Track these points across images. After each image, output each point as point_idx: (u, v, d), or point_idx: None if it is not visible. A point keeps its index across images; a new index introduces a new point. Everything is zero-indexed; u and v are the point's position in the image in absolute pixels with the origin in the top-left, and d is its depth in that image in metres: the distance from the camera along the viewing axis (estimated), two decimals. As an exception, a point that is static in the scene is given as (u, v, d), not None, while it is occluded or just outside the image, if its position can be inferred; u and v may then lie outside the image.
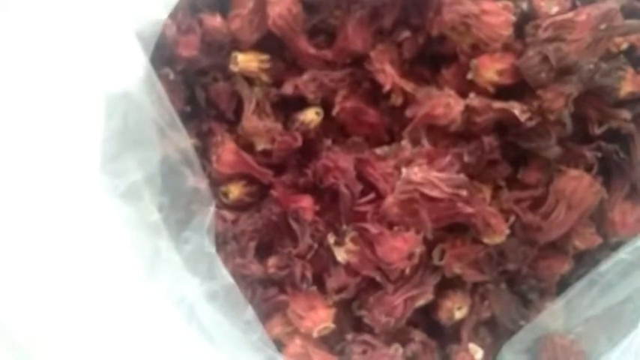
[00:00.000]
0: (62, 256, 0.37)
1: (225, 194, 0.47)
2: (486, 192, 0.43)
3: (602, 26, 0.39)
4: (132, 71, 0.39)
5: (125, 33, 0.38)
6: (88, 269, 0.37)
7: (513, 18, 0.41)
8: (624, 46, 0.41)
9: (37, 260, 0.37)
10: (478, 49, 0.42)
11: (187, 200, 0.43)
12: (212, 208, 0.44)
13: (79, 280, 0.37)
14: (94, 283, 0.37)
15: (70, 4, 0.37)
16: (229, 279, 0.42)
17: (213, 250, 0.42)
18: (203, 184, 0.44)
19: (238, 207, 0.47)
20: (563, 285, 0.45)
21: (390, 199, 0.41)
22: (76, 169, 0.38)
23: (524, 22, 0.42)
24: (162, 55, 0.43)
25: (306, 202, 0.44)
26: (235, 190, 0.47)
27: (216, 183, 0.47)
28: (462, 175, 0.40)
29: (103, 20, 0.38)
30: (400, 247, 0.40)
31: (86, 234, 0.38)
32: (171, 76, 0.44)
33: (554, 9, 0.41)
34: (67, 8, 0.37)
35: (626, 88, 0.40)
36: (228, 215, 0.46)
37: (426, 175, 0.39)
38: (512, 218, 0.42)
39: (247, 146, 0.47)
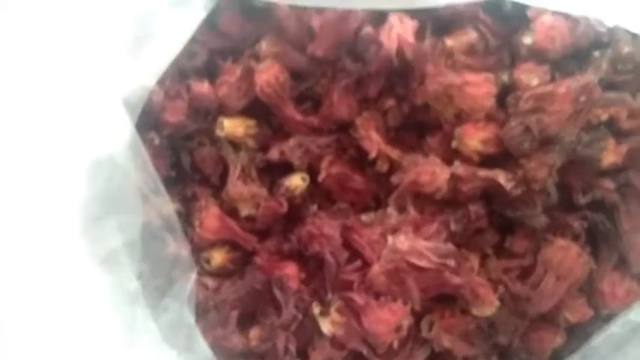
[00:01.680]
0: (38, 321, 0.35)
1: (208, 261, 0.45)
2: (474, 261, 0.42)
3: (582, 98, 0.40)
4: (117, 136, 0.38)
5: (112, 98, 0.38)
6: (63, 337, 0.35)
7: (495, 89, 0.42)
8: (604, 117, 0.42)
9: (12, 323, 0.36)
10: (461, 118, 0.43)
11: (168, 267, 0.42)
12: (193, 275, 0.42)
13: (55, 347, 0.35)
14: (69, 352, 0.35)
15: (59, 69, 0.37)
16: (208, 352, 0.40)
17: (192, 320, 0.41)
18: (185, 251, 0.43)
19: (221, 274, 0.45)
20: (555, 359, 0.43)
21: (376, 268, 0.40)
22: (56, 234, 0.37)
23: (506, 93, 0.43)
24: (148, 121, 0.43)
25: (291, 270, 0.43)
26: (218, 257, 0.45)
27: (199, 249, 0.45)
28: (449, 245, 0.39)
29: (90, 85, 0.38)
30: (387, 318, 0.39)
31: (63, 302, 0.36)
32: (157, 141, 0.44)
33: (534, 81, 0.42)
34: (56, 73, 0.37)
35: (609, 159, 0.41)
36: (210, 283, 0.44)
37: (413, 243, 0.39)
38: (502, 288, 0.41)
39: (231, 212, 0.46)
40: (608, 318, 0.42)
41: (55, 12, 0.38)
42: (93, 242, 0.39)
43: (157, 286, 0.42)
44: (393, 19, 0.43)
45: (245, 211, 0.45)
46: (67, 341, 0.37)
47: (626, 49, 0.42)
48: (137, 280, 0.41)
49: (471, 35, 0.45)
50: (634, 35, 0.41)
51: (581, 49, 0.43)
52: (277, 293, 0.43)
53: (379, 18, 0.44)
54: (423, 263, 0.38)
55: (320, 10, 0.44)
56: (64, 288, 0.38)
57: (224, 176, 0.47)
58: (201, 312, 0.43)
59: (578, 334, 0.43)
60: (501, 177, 0.41)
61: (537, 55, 0.43)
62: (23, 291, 0.37)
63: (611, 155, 0.41)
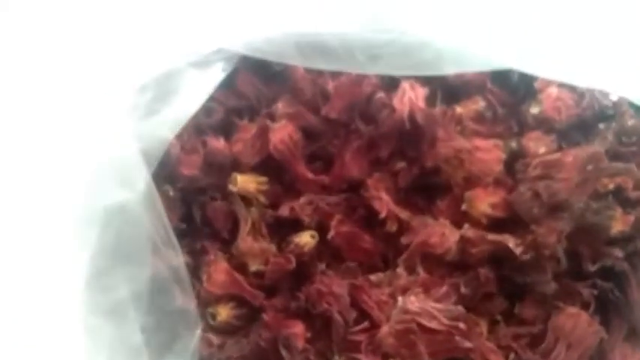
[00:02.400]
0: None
1: (213, 316, 0.45)
2: (483, 326, 0.42)
3: (589, 167, 0.41)
4: (133, 186, 0.39)
5: (131, 149, 0.39)
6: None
7: (503, 155, 0.43)
8: (611, 186, 0.43)
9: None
10: (471, 182, 0.44)
11: (173, 321, 0.42)
12: (198, 332, 0.42)
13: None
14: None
15: (81, 115, 0.38)
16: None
17: (195, 378, 0.40)
18: (191, 305, 0.42)
19: (225, 330, 0.45)
20: None
21: (385, 329, 0.40)
22: (62, 282, 0.36)
23: (513, 160, 0.44)
24: (164, 173, 0.44)
25: (298, 329, 0.43)
26: (223, 312, 0.45)
27: (205, 304, 0.45)
28: (460, 307, 0.39)
29: (110, 134, 0.39)
30: (396, 381, 0.38)
31: (63, 353, 0.35)
32: (171, 193, 0.45)
33: (542, 149, 0.44)
34: (76, 116, 0.38)
35: (617, 227, 0.41)
36: (215, 339, 0.44)
37: (424, 304, 0.38)
38: (512, 355, 0.40)
39: (240, 267, 0.46)
40: (621, 391, 0.41)
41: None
42: (99, 293, 0.39)
43: (161, 341, 0.41)
44: (405, 85, 0.45)
45: (254, 266, 0.45)
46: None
47: (630, 122, 0.43)
48: (141, 333, 0.40)
49: (479, 104, 0.46)
50: (638, 108, 0.43)
51: (586, 121, 0.45)
52: (283, 352, 0.42)
53: (391, 84, 0.46)
54: (433, 325, 0.38)
55: (335, 75, 0.46)
56: (65, 339, 0.37)
57: (234, 231, 0.47)
58: (205, 370, 0.42)
59: (590, 406, 0.42)
60: (510, 241, 0.41)
61: (544, 124, 0.45)
62: (22, 340, 0.36)
63: (619, 224, 0.41)
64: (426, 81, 0.45)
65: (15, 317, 0.36)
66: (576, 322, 0.40)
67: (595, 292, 0.42)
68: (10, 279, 0.36)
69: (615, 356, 0.41)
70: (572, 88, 0.44)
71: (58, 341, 0.36)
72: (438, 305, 0.39)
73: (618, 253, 0.42)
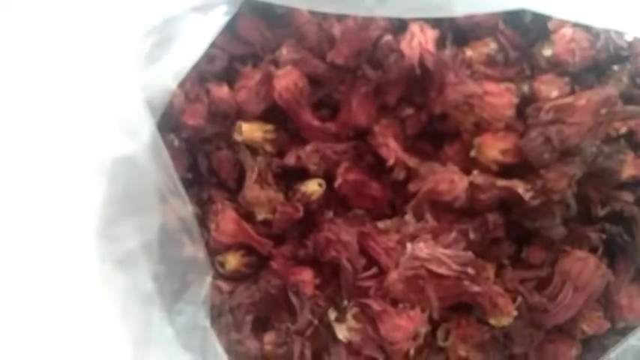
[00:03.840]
0: (50, 324, 0.35)
1: (222, 264, 0.45)
2: (490, 271, 0.42)
3: (603, 111, 0.40)
4: (139, 137, 0.38)
5: (135, 99, 0.39)
6: (77, 338, 0.35)
7: (515, 99, 0.42)
8: (623, 130, 0.42)
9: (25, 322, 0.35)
10: (481, 127, 0.43)
11: (184, 270, 0.42)
12: (208, 279, 0.42)
13: (66, 351, 0.35)
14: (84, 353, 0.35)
15: (84, 66, 0.38)
16: (223, 356, 0.40)
17: (207, 323, 0.41)
18: (201, 254, 0.43)
19: (235, 278, 0.45)
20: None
21: (394, 275, 0.40)
22: (74, 233, 0.37)
23: (525, 104, 0.43)
24: (168, 123, 0.43)
25: (307, 276, 0.43)
26: (233, 260, 0.45)
27: (214, 252, 0.45)
28: (469, 253, 0.39)
29: (115, 86, 0.38)
30: (405, 325, 0.39)
31: (78, 302, 0.36)
32: (176, 143, 0.44)
33: (554, 93, 0.43)
34: (80, 69, 0.37)
35: (628, 171, 0.41)
36: (225, 286, 0.44)
37: (433, 251, 0.39)
38: (519, 299, 0.41)
39: (247, 216, 0.46)
40: (624, 331, 0.41)
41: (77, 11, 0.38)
42: (110, 243, 0.39)
43: (172, 289, 0.42)
44: (414, 28, 0.43)
45: (261, 215, 0.45)
46: (81, 342, 0.36)
47: (646, 63, 0.42)
48: (153, 282, 0.41)
49: (490, 46, 0.45)
50: (655, 49, 0.41)
51: (600, 63, 0.43)
52: (292, 298, 0.43)
53: (399, 27, 0.44)
54: (442, 271, 0.38)
55: (341, 18, 0.45)
56: (79, 288, 0.38)
57: (240, 180, 0.47)
58: (216, 315, 0.42)
59: (594, 346, 0.43)
60: (520, 187, 0.41)
61: (557, 67, 0.43)
62: (37, 290, 0.37)
63: (629, 168, 0.41)
64: (435, 23, 0.44)
65: (30, 270, 0.37)
66: (584, 265, 0.40)
67: (603, 235, 0.42)
68: (23, 231, 0.36)
69: (621, 298, 0.42)
70: (586, 29, 0.42)
71: (73, 290, 0.37)
72: (447, 251, 0.39)
73: (628, 197, 0.41)
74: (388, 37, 0.44)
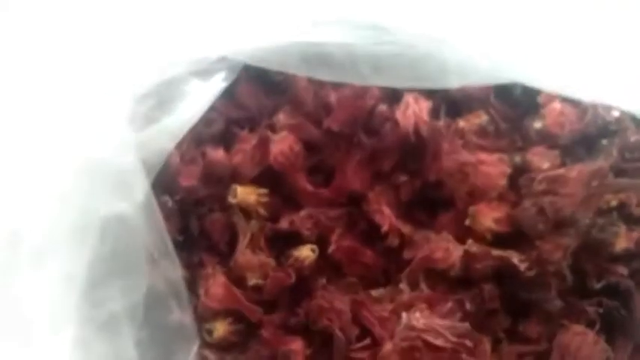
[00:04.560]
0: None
1: (210, 332, 0.43)
2: (487, 344, 0.41)
3: (594, 183, 0.40)
4: (132, 196, 0.38)
5: (130, 157, 0.38)
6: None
7: (508, 169, 0.42)
8: (614, 203, 0.42)
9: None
10: (475, 196, 0.43)
11: (169, 336, 0.40)
12: (195, 347, 0.40)
13: None
14: None
15: (80, 122, 0.38)
16: None
17: (191, 396, 0.38)
18: (188, 319, 0.41)
19: (223, 347, 0.43)
20: None
21: (389, 346, 0.39)
22: (58, 296, 0.35)
23: (517, 174, 0.43)
24: (163, 183, 0.43)
25: (297, 345, 0.42)
26: (221, 328, 0.44)
27: (202, 319, 0.44)
28: (466, 324, 0.38)
29: (110, 143, 0.38)
30: (401, 401, 0.37)
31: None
32: (170, 205, 0.44)
33: (546, 164, 0.43)
34: (75, 123, 0.37)
35: (621, 244, 0.41)
36: (211, 356, 0.42)
37: (429, 321, 0.38)
38: (518, 374, 0.39)
39: (238, 281, 0.45)
40: (626, 411, 0.40)
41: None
42: (94, 305, 0.38)
43: (155, 357, 0.40)
44: (408, 98, 0.44)
45: (252, 280, 0.44)
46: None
47: (633, 138, 0.43)
48: (135, 349, 0.39)
49: (482, 118, 0.46)
50: (641, 124, 0.43)
51: (589, 136, 0.44)
52: (282, 369, 0.41)
53: (393, 97, 0.46)
54: (439, 342, 0.37)
55: (337, 87, 0.46)
56: (56, 353, 0.36)
57: (232, 244, 0.46)
58: (201, 387, 0.40)
59: None
60: (515, 257, 0.41)
61: (547, 139, 0.44)
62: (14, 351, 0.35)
63: (623, 241, 0.41)
64: (428, 94, 0.45)
65: (6, 331, 0.35)
66: (582, 340, 0.39)
67: (600, 310, 0.41)
68: (5, 289, 0.35)
69: (621, 375, 0.41)
70: (575, 103, 0.44)
71: (50, 356, 0.35)
72: (444, 322, 0.38)
73: (622, 270, 0.41)
74: (383, 106, 0.45)
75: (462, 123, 0.46)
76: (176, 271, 0.40)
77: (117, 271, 0.39)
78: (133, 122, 0.40)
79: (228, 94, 0.46)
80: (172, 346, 0.40)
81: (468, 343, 0.37)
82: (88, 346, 0.37)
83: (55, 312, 0.36)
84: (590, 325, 0.41)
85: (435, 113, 0.45)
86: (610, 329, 0.41)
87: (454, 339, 0.37)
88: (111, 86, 0.40)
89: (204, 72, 0.43)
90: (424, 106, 0.44)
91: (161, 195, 0.43)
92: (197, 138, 0.46)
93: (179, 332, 0.40)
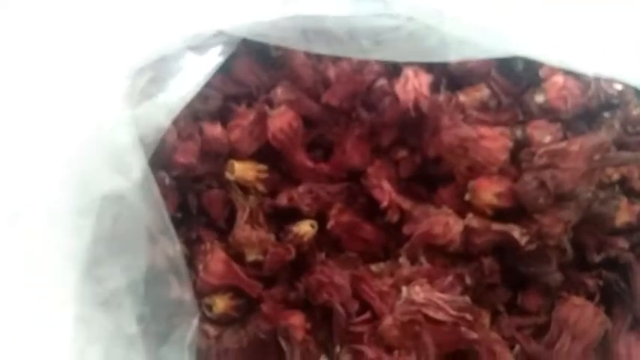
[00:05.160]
0: None
1: (210, 307, 0.44)
2: (486, 317, 0.41)
3: (596, 156, 0.40)
4: (130, 173, 0.38)
5: (127, 135, 0.38)
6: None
7: (510, 143, 0.42)
8: (616, 177, 0.42)
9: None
10: (475, 171, 0.43)
11: (170, 312, 0.40)
12: (195, 322, 0.41)
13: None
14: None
15: (77, 100, 0.37)
16: (209, 404, 0.38)
17: (193, 369, 0.39)
18: (188, 295, 0.41)
19: (223, 322, 0.44)
20: None
21: (389, 320, 0.39)
22: (59, 273, 0.35)
23: (518, 149, 0.43)
24: (160, 160, 0.42)
25: (297, 320, 0.42)
26: (221, 303, 0.44)
27: (201, 294, 0.44)
28: (466, 298, 0.38)
29: (107, 121, 0.38)
30: (400, 374, 0.37)
31: (60, 343, 0.34)
32: (167, 181, 0.43)
33: (547, 138, 0.43)
34: (72, 102, 0.37)
35: (622, 218, 0.41)
36: (212, 330, 0.43)
37: (429, 295, 0.38)
38: (517, 347, 0.40)
39: (237, 257, 0.45)
40: (623, 382, 0.40)
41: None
42: (95, 283, 0.38)
43: (157, 332, 0.40)
44: (408, 72, 0.44)
45: (251, 256, 0.44)
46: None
47: (635, 111, 0.43)
48: (137, 324, 0.39)
49: (483, 92, 0.46)
50: (644, 97, 0.42)
51: (591, 110, 0.44)
52: (282, 344, 0.41)
53: (393, 71, 0.45)
54: (439, 316, 0.37)
55: (336, 61, 0.45)
56: (61, 328, 0.36)
57: (230, 220, 0.46)
58: (202, 361, 0.41)
59: (593, 396, 0.42)
60: (516, 231, 0.40)
61: (549, 113, 0.44)
62: (15, 327, 0.35)
63: (624, 214, 0.41)
64: (428, 68, 0.44)
65: (9, 309, 0.35)
66: (582, 312, 0.39)
67: (600, 282, 0.41)
68: (5, 271, 0.35)
69: (619, 346, 0.41)
70: (577, 77, 0.43)
71: (52, 333, 0.35)
72: (444, 296, 0.38)
73: (623, 243, 0.41)
74: (383, 81, 0.44)
75: (462, 97, 0.45)
76: (175, 248, 0.40)
77: (117, 249, 0.39)
78: (129, 99, 0.40)
79: (225, 70, 0.45)
80: (173, 321, 0.41)
81: (468, 316, 0.37)
82: (91, 322, 0.38)
83: (56, 290, 0.36)
84: (589, 297, 0.41)
85: (435, 87, 0.44)
86: (609, 301, 0.42)
87: (454, 312, 0.37)
88: (107, 63, 0.40)
89: (200, 47, 0.42)
90: (424, 80, 0.43)
91: (158, 172, 0.42)
92: (194, 114, 0.45)
93: (180, 307, 0.41)
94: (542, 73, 0.44)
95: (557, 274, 0.41)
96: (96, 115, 0.38)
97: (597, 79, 0.43)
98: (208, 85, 0.43)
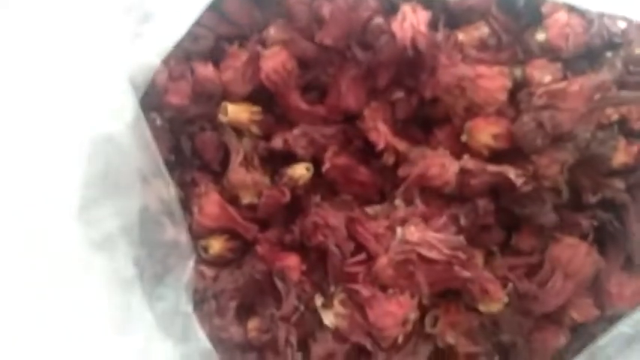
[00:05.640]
0: (26, 307, 0.33)
1: (205, 249, 0.44)
2: (479, 257, 0.42)
3: (596, 96, 0.39)
4: (120, 115, 0.37)
5: (117, 76, 0.37)
6: (54, 323, 0.33)
7: (509, 83, 0.41)
8: (615, 117, 0.41)
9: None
10: (472, 112, 0.42)
11: (165, 253, 0.41)
12: (191, 263, 0.41)
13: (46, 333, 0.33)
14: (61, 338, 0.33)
15: (65, 45, 0.36)
16: (205, 342, 0.38)
17: (189, 309, 0.39)
18: (183, 237, 0.41)
19: (219, 263, 0.44)
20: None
21: (383, 260, 0.39)
22: (52, 216, 0.35)
23: (517, 89, 0.42)
24: (151, 101, 0.41)
25: (293, 261, 0.42)
26: (216, 245, 0.44)
27: (197, 236, 0.44)
28: (460, 237, 0.39)
29: (96, 61, 0.37)
30: (395, 311, 0.38)
31: (55, 286, 0.35)
32: (159, 123, 0.43)
33: (547, 78, 0.42)
34: (59, 47, 0.36)
35: (619, 159, 0.41)
36: (208, 271, 0.43)
37: (424, 234, 0.38)
38: (510, 285, 0.40)
39: (232, 200, 0.45)
40: (613, 318, 0.41)
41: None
42: (89, 225, 0.38)
43: (153, 273, 0.40)
44: (406, 8, 0.42)
45: (246, 199, 0.44)
46: (58, 327, 0.35)
47: (638, 50, 0.42)
48: (134, 266, 0.39)
49: (482, 30, 0.44)
50: (648, 35, 0.41)
51: (593, 49, 0.43)
52: (278, 284, 0.41)
53: (390, 8, 0.43)
54: (433, 255, 0.37)
55: (331, -3, 0.44)
56: (56, 272, 0.36)
57: (225, 163, 0.46)
58: (198, 301, 0.41)
59: (582, 334, 0.42)
60: (511, 172, 0.40)
61: (550, 52, 0.43)
62: (13, 272, 0.35)
63: (621, 155, 0.41)
64: (427, 5, 0.43)
65: (7, 252, 0.35)
66: (574, 252, 0.40)
67: (594, 222, 0.41)
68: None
69: (611, 285, 0.41)
70: (580, 14, 0.42)
71: (50, 274, 0.35)
72: (438, 235, 0.38)
73: (619, 184, 0.41)
74: (379, 19, 0.43)
75: (461, 35, 0.44)
76: (169, 190, 0.40)
77: (110, 191, 0.38)
78: (117, 38, 0.38)
79: (216, 8, 0.44)
80: (169, 262, 0.41)
81: (461, 255, 0.38)
82: (88, 263, 0.38)
83: (49, 232, 0.36)
84: (583, 237, 0.41)
85: (433, 25, 0.43)
86: (603, 241, 0.42)
87: (447, 251, 0.37)
88: (93, 3, 0.38)
89: (190, -18, 0.41)
90: (422, 17, 0.42)
91: (150, 113, 0.42)
92: (185, 54, 0.44)
93: (175, 249, 0.41)
94: (544, 9, 0.43)
95: (552, 215, 0.41)
96: (84, 56, 0.37)
97: (601, 16, 0.41)
98: (199, 24, 0.42)
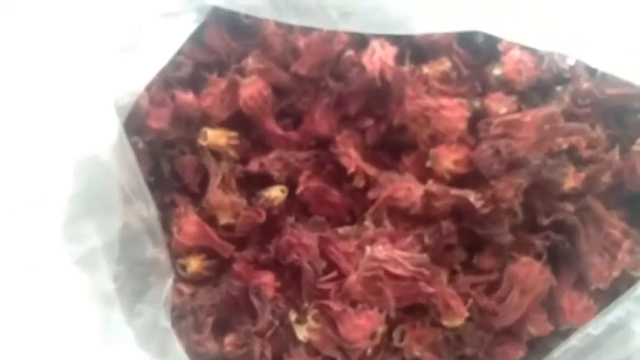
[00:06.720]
0: (11, 319, 0.34)
1: (184, 267, 0.45)
2: (443, 276, 0.44)
3: (546, 127, 0.43)
4: (104, 136, 0.39)
5: (102, 99, 0.39)
6: (36, 338, 0.34)
7: (467, 113, 0.45)
8: (565, 145, 0.45)
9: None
10: (436, 139, 0.45)
11: (145, 271, 0.42)
12: (170, 281, 0.42)
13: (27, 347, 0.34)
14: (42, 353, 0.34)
15: (56, 69, 0.38)
16: (183, 356, 0.40)
17: (168, 324, 0.41)
18: (163, 255, 0.43)
19: (196, 281, 0.46)
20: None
21: (353, 277, 0.41)
22: (37, 231, 0.36)
23: (476, 119, 0.46)
24: (133, 125, 0.43)
25: (268, 279, 0.44)
26: (194, 264, 0.46)
27: (176, 255, 0.46)
28: (424, 255, 0.41)
29: (84, 86, 0.38)
30: (364, 325, 0.40)
31: (37, 301, 0.36)
32: (140, 145, 0.44)
33: (503, 109, 0.46)
34: (49, 71, 0.38)
35: (569, 184, 0.44)
36: (186, 289, 0.44)
37: (390, 253, 0.40)
38: (470, 301, 0.43)
39: (210, 220, 0.47)
40: (566, 333, 0.44)
41: (52, 14, 0.39)
42: (71, 241, 0.39)
43: (133, 290, 0.42)
44: (375, 44, 0.46)
45: (224, 219, 0.46)
46: (40, 341, 0.36)
47: (585, 85, 0.46)
48: (113, 282, 0.41)
49: (445, 64, 0.48)
50: (593, 72, 0.45)
51: (544, 83, 0.47)
52: (254, 300, 0.43)
53: (360, 42, 0.47)
54: (399, 272, 0.40)
55: (305, 31, 0.47)
56: (39, 287, 0.37)
57: (203, 185, 0.48)
58: (177, 317, 0.43)
59: (539, 348, 0.45)
60: (472, 196, 0.43)
61: (506, 85, 0.46)
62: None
63: (571, 180, 0.44)
64: (394, 40, 0.46)
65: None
66: (529, 270, 0.43)
67: (547, 243, 0.44)
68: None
69: (564, 302, 0.44)
70: (532, 51, 0.46)
71: (31, 289, 0.36)
72: (404, 253, 0.41)
73: (570, 207, 0.44)
74: (350, 52, 0.46)
75: (426, 69, 0.47)
76: (149, 210, 0.42)
77: (92, 209, 0.40)
78: (104, 64, 0.40)
79: (197, 38, 0.46)
80: (149, 280, 0.42)
81: (425, 271, 0.40)
82: (69, 279, 0.39)
83: (32, 248, 0.37)
84: (537, 257, 0.44)
85: (400, 59, 0.46)
86: (556, 261, 0.45)
87: (413, 268, 0.40)
88: (82, 29, 0.40)
89: (172, 14, 0.43)
90: (390, 52, 0.45)
91: (132, 136, 0.43)
92: (166, 81, 0.46)
93: (155, 267, 0.42)
94: (500, 47, 0.46)
95: (509, 236, 0.44)
96: (71, 79, 0.39)
97: (551, 54, 0.46)
98: (180, 52, 0.44)
